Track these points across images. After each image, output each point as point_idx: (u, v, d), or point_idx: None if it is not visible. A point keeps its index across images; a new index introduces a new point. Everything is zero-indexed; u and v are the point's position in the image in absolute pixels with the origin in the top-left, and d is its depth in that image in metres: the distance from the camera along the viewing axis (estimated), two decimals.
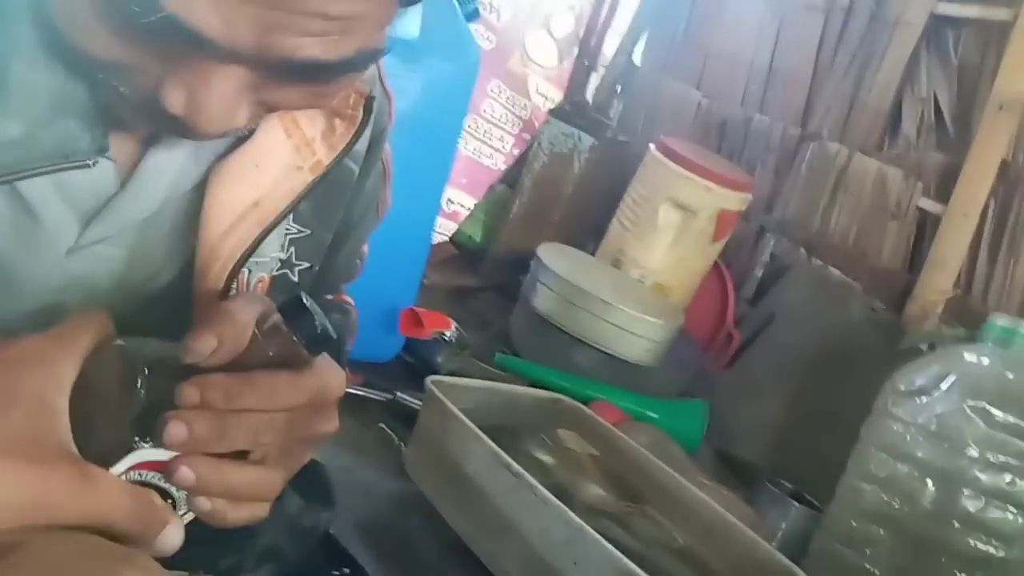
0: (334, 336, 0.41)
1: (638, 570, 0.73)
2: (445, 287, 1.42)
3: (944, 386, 0.90)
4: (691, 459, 1.14)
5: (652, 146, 1.32)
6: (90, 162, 0.42)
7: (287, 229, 0.53)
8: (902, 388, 0.93)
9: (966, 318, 1.14)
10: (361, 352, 0.83)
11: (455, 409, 0.90)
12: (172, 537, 0.36)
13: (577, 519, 0.77)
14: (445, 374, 1.10)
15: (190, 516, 0.40)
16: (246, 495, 0.40)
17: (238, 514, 0.40)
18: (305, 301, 0.41)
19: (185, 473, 0.38)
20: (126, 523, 0.35)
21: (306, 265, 0.56)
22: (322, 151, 0.51)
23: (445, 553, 0.86)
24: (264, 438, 0.40)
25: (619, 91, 1.60)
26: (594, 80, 1.64)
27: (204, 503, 0.39)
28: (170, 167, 0.46)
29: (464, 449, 0.87)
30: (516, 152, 1.69)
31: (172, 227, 0.48)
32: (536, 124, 1.66)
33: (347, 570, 0.76)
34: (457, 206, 1.71)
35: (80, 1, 0.35)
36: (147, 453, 0.38)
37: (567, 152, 1.42)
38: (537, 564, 0.79)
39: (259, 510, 0.41)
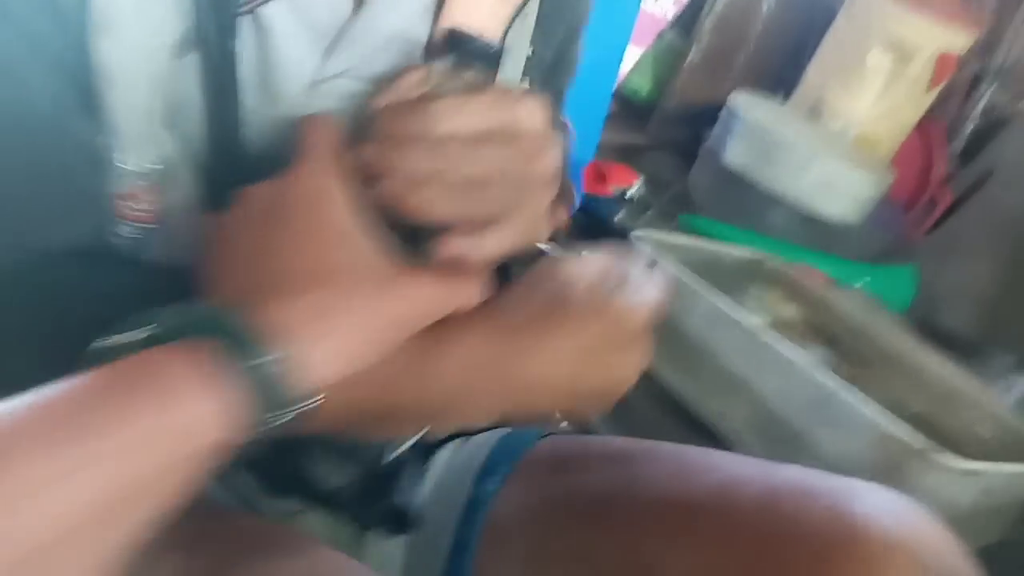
0: (494, 46, 0.39)
1: (903, 433, 0.65)
2: (612, 146, 1.32)
3: None
4: (903, 326, 1.05)
5: None
6: None
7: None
8: None
9: None
10: None
11: (670, 261, 0.83)
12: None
13: (830, 377, 0.70)
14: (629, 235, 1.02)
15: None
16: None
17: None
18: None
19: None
20: (462, 302, 0.36)
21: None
22: None
23: (664, 413, 0.81)
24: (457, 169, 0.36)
25: None
26: None
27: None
28: None
29: (683, 305, 0.81)
30: None
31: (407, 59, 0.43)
32: None
33: None
34: (630, 60, 1.58)
35: None
36: None
37: None
38: (774, 424, 0.73)
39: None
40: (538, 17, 0.47)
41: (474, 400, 0.36)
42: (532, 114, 0.37)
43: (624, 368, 0.40)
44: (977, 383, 0.87)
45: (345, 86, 0.41)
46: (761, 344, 0.73)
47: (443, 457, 0.54)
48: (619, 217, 1.12)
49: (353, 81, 0.41)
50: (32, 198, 0.35)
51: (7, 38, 0.32)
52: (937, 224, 1.23)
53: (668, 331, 0.80)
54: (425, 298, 0.34)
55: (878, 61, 1.13)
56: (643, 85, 1.41)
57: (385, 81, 0.39)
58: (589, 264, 0.40)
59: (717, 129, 1.16)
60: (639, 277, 0.41)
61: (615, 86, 1.25)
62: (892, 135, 1.17)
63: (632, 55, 1.49)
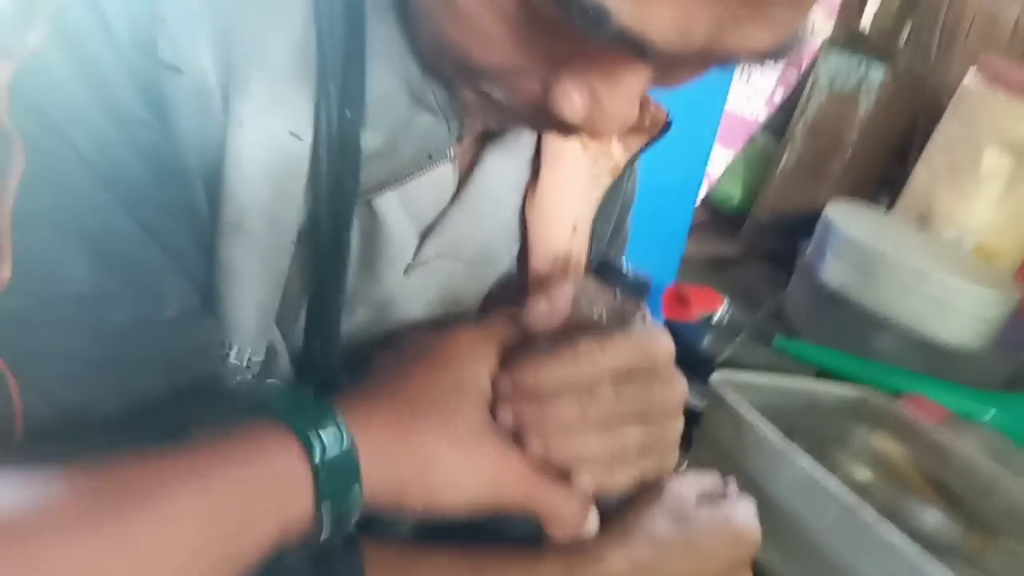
0: (649, 279, 0.42)
1: None
2: (700, 258, 1.24)
3: None
4: None
5: (971, 72, 1.05)
6: (450, 156, 0.40)
7: None
8: None
9: None
10: None
11: (755, 415, 0.73)
12: (593, 526, 0.40)
13: (938, 568, 0.59)
14: (718, 364, 0.93)
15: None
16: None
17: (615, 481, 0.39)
18: (607, 260, 0.41)
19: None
20: (560, 515, 0.37)
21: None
22: (618, 152, 0.48)
23: None
24: (595, 413, 0.37)
25: (910, 8, 1.32)
26: (872, 3, 1.37)
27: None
28: (505, 174, 0.44)
29: (767, 465, 0.71)
30: (779, 96, 1.46)
31: (505, 244, 0.46)
32: (803, 60, 1.42)
33: None
34: (719, 166, 1.52)
35: (480, 5, 0.31)
36: None
37: (851, 89, 1.18)
38: None
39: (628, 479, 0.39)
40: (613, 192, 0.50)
41: None
42: (662, 347, 0.39)
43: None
44: None
45: (440, 267, 0.43)
46: (858, 521, 0.63)
47: None
48: (706, 343, 1.03)
49: (447, 262, 0.43)
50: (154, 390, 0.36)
51: (146, 250, 0.33)
52: None
53: (750, 494, 0.70)
54: (511, 483, 0.36)
55: (996, 162, 1.02)
56: (734, 193, 1.33)
57: (536, 288, 0.42)
58: (690, 484, 0.44)
59: (814, 242, 1.06)
60: (735, 497, 0.44)
61: (699, 197, 1.18)
62: (1017, 244, 1.04)
63: (722, 160, 1.42)
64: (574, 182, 0.46)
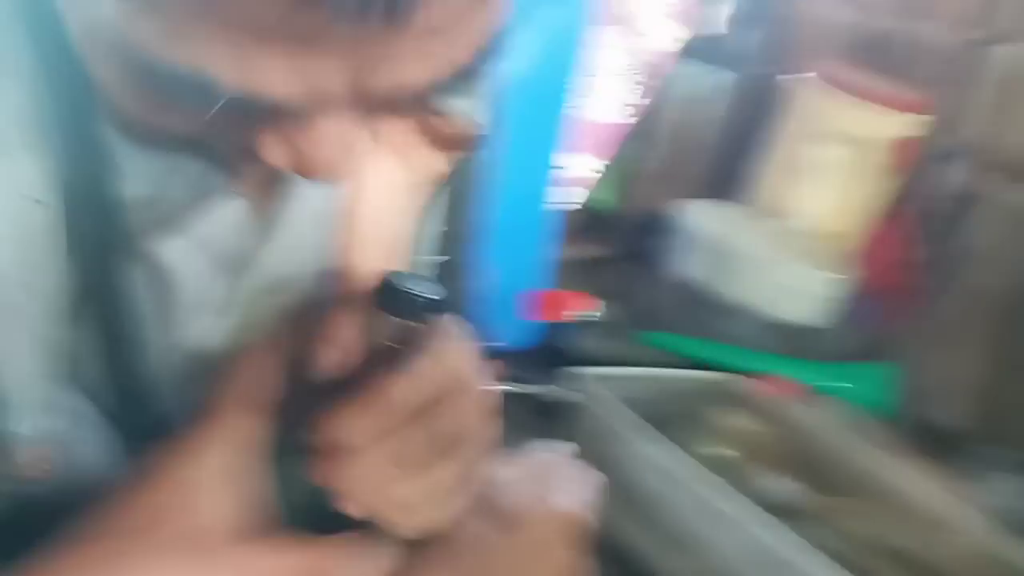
0: (442, 295, 0.38)
1: None
2: (578, 260, 1.30)
3: None
4: (885, 433, 0.99)
5: (803, 74, 1.14)
6: (233, 193, 0.38)
7: None
8: None
9: None
10: (495, 341, 0.74)
11: (618, 405, 0.79)
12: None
13: (777, 532, 0.65)
14: (588, 361, 0.98)
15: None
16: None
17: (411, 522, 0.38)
18: (391, 280, 0.37)
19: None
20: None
21: None
22: (440, 160, 0.47)
23: (614, 569, 0.75)
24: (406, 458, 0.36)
25: (755, 20, 1.42)
26: (724, 11, 1.46)
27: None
28: (313, 201, 0.42)
29: (629, 450, 0.76)
30: (645, 104, 1.53)
31: (321, 273, 0.44)
32: (664, 70, 1.50)
33: None
34: (591, 172, 1.58)
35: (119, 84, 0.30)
36: None
37: (704, 95, 1.26)
38: None
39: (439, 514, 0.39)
40: (451, 196, 0.50)
41: None
42: (466, 363, 0.38)
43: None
44: (966, 508, 0.81)
45: (255, 303, 0.41)
46: (706, 496, 0.69)
47: None
48: (579, 343, 1.08)
49: (263, 296, 0.41)
50: None
51: None
52: (919, 314, 1.18)
53: (621, 482, 0.75)
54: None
55: (830, 155, 1.11)
56: (607, 197, 1.40)
57: (316, 326, 0.38)
58: (515, 469, 0.44)
59: (672, 239, 1.14)
60: (566, 478, 0.44)
61: (573, 203, 1.24)
62: (856, 228, 1.14)
63: (598, 167, 1.48)
64: (391, 198, 0.46)
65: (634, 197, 1.32)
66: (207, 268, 0.40)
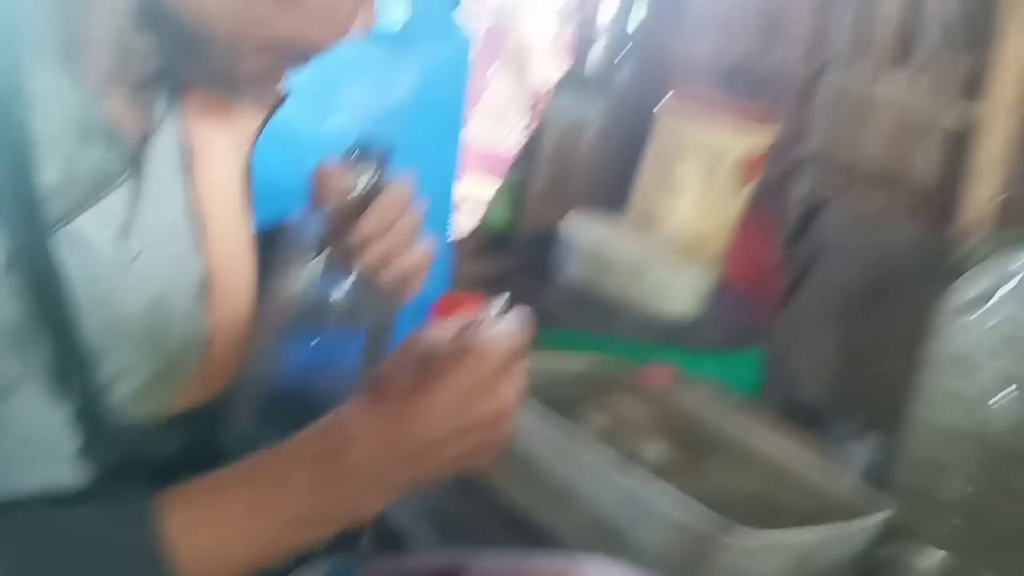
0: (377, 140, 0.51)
1: (696, 519, 0.70)
2: (475, 278, 1.40)
3: (1010, 287, 0.86)
4: (752, 409, 1.11)
5: (669, 97, 1.29)
6: (121, 181, 0.45)
7: None
8: (967, 297, 0.89)
9: (1018, 219, 1.09)
10: None
11: None
12: None
13: (634, 475, 0.75)
14: None
15: None
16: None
17: None
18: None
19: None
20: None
21: None
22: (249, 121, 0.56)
23: (508, 528, 0.84)
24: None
25: (624, 53, 1.57)
26: (598, 46, 1.61)
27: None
28: (167, 174, 0.50)
29: (527, 428, 0.85)
30: (533, 129, 1.66)
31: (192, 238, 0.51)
32: (548, 97, 1.63)
33: None
34: (485, 195, 1.69)
35: None
36: None
37: (577, 121, 1.39)
38: (595, 527, 0.77)
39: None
40: None
41: (380, 484, 0.43)
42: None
43: (503, 401, 0.45)
44: (811, 456, 0.93)
45: (147, 264, 0.46)
46: (577, 450, 0.78)
47: None
48: None
49: (152, 254, 0.47)
50: None
51: None
52: (781, 306, 1.32)
53: (517, 456, 0.84)
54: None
55: (689, 169, 1.24)
56: (501, 217, 1.51)
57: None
58: (445, 326, 0.47)
59: (559, 251, 1.25)
60: (493, 321, 0.47)
61: (470, 224, 1.34)
62: (718, 232, 1.27)
63: (491, 190, 1.60)
64: (225, 159, 0.54)
65: (526, 215, 1.44)
66: (112, 234, 0.45)
